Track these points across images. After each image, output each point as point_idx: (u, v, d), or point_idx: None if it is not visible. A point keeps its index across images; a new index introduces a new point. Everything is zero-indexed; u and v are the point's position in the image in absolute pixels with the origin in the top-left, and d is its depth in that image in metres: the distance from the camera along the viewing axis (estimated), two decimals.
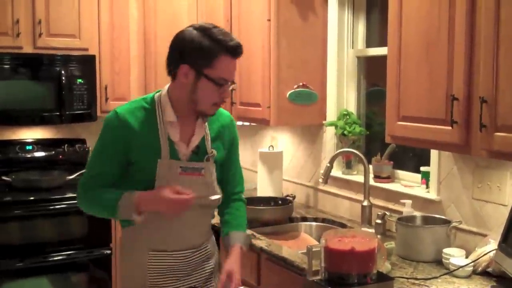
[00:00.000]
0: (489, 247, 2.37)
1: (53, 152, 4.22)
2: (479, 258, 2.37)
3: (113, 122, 2.13)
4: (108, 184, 2.17)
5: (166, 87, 2.20)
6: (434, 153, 2.84)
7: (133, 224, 2.15)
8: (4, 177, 3.95)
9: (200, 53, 2.05)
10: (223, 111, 2.33)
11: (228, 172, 2.36)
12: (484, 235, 2.51)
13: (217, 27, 2.11)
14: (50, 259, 3.71)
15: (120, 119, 2.12)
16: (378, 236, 2.69)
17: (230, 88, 2.17)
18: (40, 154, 4.19)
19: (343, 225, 3.27)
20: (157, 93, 2.21)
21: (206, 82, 2.07)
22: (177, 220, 2.16)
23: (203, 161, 2.20)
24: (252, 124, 3.96)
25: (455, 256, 2.44)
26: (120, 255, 2.34)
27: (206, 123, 2.23)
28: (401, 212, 2.90)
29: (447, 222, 2.64)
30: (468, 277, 2.35)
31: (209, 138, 2.23)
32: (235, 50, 2.08)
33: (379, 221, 2.97)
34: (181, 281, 2.22)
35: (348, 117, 3.45)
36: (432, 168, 2.85)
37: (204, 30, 2.07)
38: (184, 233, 2.20)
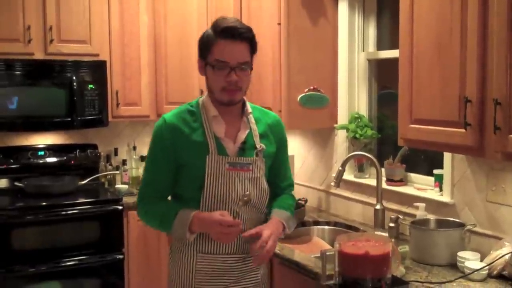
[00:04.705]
0: (504, 250, 2.35)
1: (65, 158, 4.24)
2: (494, 261, 2.35)
3: (161, 128, 2.20)
4: (163, 191, 2.24)
5: None
6: (447, 156, 2.82)
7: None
8: (16, 183, 3.97)
9: (203, 43, 2.17)
10: (270, 112, 2.39)
11: (279, 172, 2.38)
12: (499, 238, 2.49)
13: (226, 17, 2.18)
14: (63, 264, 3.71)
15: (168, 124, 2.19)
16: (392, 240, 2.67)
17: (247, 75, 2.17)
18: (52, 159, 4.20)
19: (356, 229, 3.25)
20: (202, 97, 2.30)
21: (209, 68, 2.14)
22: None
23: (251, 156, 2.21)
24: None
25: (469, 260, 2.42)
26: (170, 257, 2.34)
27: (253, 120, 2.26)
28: (414, 216, 2.88)
29: (461, 225, 2.63)
30: (483, 280, 2.34)
31: (257, 134, 2.25)
32: (227, 32, 2.09)
33: (392, 224, 2.95)
34: None
35: (359, 120, 3.44)
36: (446, 171, 2.83)
37: (212, 23, 2.16)
38: None
